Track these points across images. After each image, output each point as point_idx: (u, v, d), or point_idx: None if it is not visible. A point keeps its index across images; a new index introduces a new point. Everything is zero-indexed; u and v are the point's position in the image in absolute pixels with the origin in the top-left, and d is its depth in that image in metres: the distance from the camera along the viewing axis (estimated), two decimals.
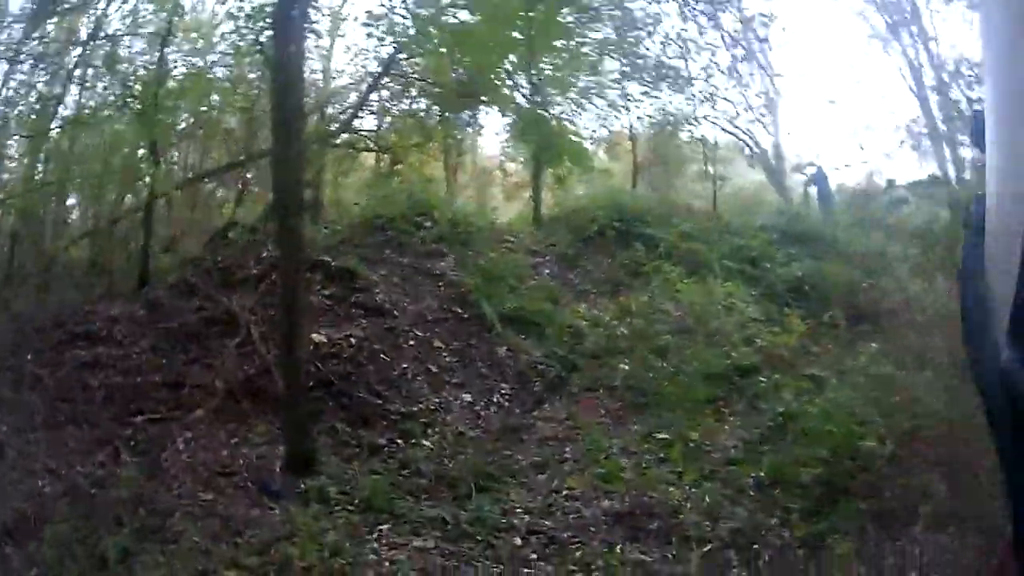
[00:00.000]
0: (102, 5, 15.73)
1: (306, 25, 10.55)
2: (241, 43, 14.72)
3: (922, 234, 19.13)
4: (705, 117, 24.16)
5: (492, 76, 15.92)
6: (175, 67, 15.83)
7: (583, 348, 12.59)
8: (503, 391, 11.42)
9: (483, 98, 17.66)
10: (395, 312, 12.29)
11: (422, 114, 19.63)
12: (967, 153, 21.13)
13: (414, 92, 18.67)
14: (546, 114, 16.64)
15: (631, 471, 9.10)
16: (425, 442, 9.83)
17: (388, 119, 19.17)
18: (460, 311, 12.83)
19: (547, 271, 15.56)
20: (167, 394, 10.21)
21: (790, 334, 12.49)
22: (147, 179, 14.83)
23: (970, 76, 20.61)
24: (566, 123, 16.31)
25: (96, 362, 10.71)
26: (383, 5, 14.55)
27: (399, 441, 9.80)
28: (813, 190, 21.78)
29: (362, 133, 18.89)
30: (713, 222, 18.52)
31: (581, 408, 10.98)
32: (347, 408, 10.18)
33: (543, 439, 10.14)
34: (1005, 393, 0.91)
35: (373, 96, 18.29)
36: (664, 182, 23.06)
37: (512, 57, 16.96)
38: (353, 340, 11.27)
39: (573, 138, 14.68)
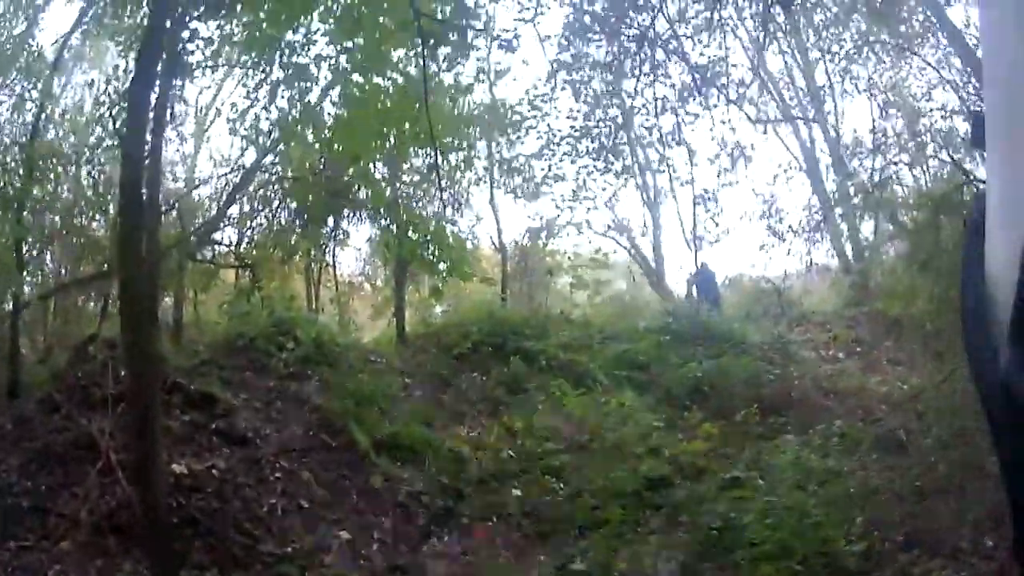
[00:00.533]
0: None
1: (160, 121, 9.77)
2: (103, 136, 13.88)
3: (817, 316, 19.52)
4: (577, 224, 24.20)
5: (364, 168, 15.21)
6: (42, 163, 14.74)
7: (468, 474, 11.61)
8: (385, 526, 10.25)
9: (352, 195, 16.85)
10: (258, 441, 11.22)
11: (284, 225, 18.85)
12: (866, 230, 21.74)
13: (276, 202, 17.90)
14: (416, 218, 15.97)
15: None
16: None
17: (248, 232, 18.33)
18: (329, 439, 11.67)
19: (419, 392, 14.54)
20: (36, 520, 9.09)
21: (700, 440, 12.00)
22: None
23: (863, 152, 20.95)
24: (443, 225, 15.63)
25: None
26: (248, 98, 13.91)
27: None
28: (696, 291, 21.22)
29: (222, 247, 17.97)
30: (593, 330, 18.02)
31: (476, 541, 10.00)
32: (215, 549, 8.94)
33: None
34: (1005, 395, 0.89)
35: (234, 209, 17.46)
36: (535, 293, 22.50)
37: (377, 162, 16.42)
38: (216, 472, 10.04)
39: (451, 242, 14.00)
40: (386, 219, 15.87)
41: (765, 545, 7.66)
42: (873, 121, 21.10)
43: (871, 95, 21.35)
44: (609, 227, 25.23)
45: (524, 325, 17.26)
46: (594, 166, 22.21)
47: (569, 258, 23.16)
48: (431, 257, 14.15)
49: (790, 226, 22.01)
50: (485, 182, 22.37)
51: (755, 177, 24.36)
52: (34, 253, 16.03)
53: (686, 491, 10.16)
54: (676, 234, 25.03)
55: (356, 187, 16.77)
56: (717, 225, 24.43)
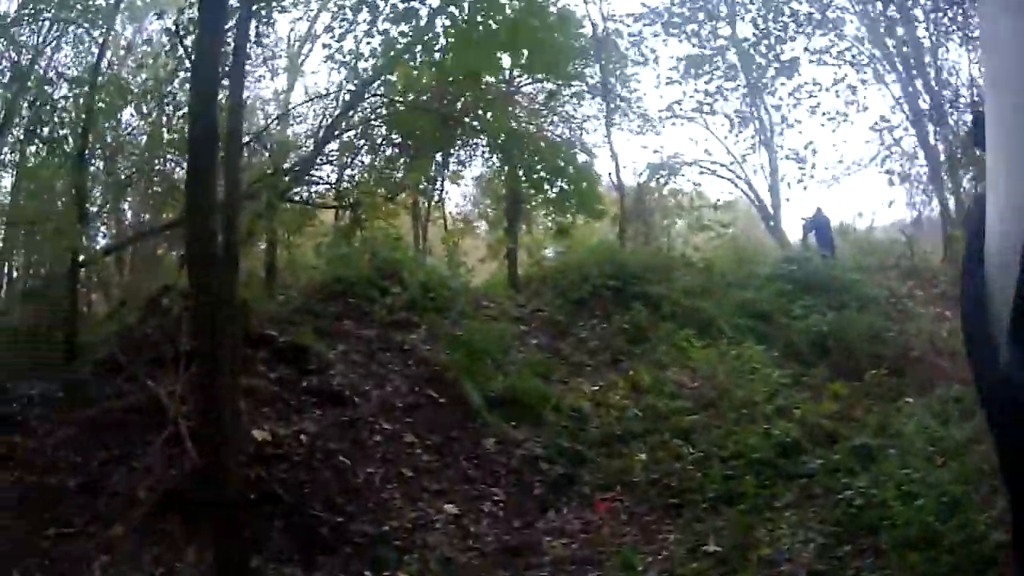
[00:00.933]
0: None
1: (241, 47, 8.37)
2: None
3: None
4: (696, 162, 22.52)
5: (485, 88, 13.54)
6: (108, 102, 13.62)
7: (590, 435, 10.39)
8: (496, 498, 9.10)
9: (467, 123, 15.18)
10: (356, 399, 10.04)
11: (389, 160, 17.47)
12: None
13: (380, 136, 16.46)
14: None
15: None
16: (402, 574, 7.49)
17: (349, 169, 16.98)
18: (436, 395, 10.62)
19: (535, 341, 13.46)
20: (83, 502, 7.84)
21: (827, 400, 10.90)
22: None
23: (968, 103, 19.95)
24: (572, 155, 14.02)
25: (10, 454, 8.45)
26: (347, 20, 12.45)
27: (368, 573, 7.44)
28: (812, 236, 20.02)
29: (321, 185, 16.65)
30: (715, 276, 16.68)
31: (598, 514, 8.77)
32: (299, 530, 7.77)
33: (556, 561, 7.79)
34: (1005, 394, 0.88)
35: (334, 145, 16.05)
36: (653, 235, 20.86)
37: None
38: (304, 437, 8.88)
39: (579, 175, 12.33)
40: (504, 150, 14.10)
41: (910, 528, 6.60)
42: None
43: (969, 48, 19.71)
44: (725, 167, 23.68)
45: (645, 268, 16.03)
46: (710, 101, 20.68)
47: (692, 198, 21.47)
48: (557, 191, 12.49)
49: (899, 174, 22.21)
50: (602, 114, 20.96)
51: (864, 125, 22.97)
52: (105, 202, 15.07)
53: (819, 459, 9.03)
54: (791, 175, 22.89)
55: (470, 115, 15.05)
56: (827, 169, 23.83)
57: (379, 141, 16.76)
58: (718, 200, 21.65)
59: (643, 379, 11.70)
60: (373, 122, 15.54)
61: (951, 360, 12.15)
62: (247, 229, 11.38)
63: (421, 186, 18.40)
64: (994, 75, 1.02)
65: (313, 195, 16.02)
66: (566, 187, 12.12)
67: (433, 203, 20.15)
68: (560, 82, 17.42)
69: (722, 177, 23.83)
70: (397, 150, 17.10)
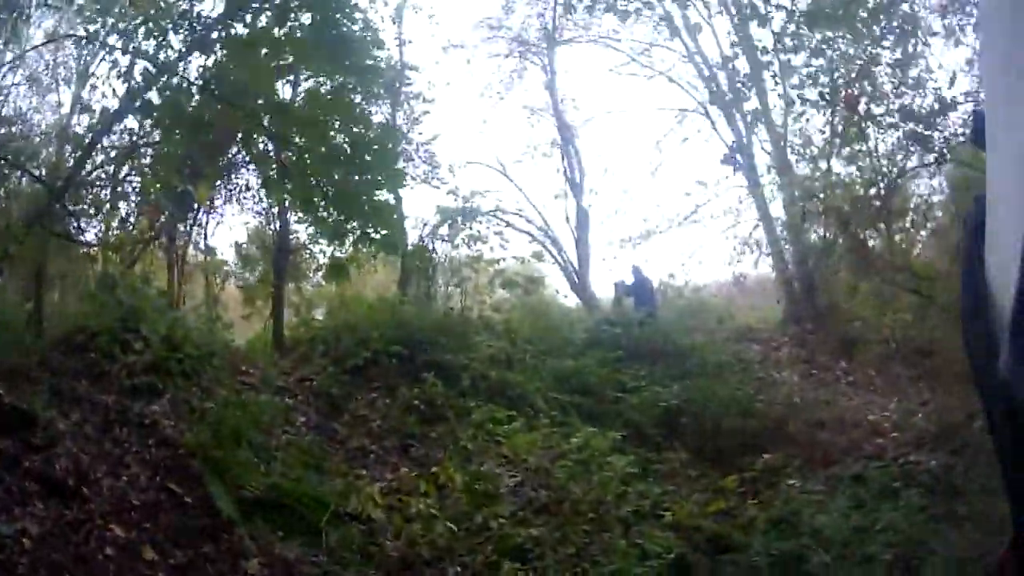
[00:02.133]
0: None
1: None
2: None
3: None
4: (496, 210, 20.76)
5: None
6: None
7: (386, 555, 7.90)
8: None
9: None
10: (86, 490, 7.61)
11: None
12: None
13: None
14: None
15: None
16: None
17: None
18: (181, 491, 7.93)
19: (303, 419, 10.96)
20: None
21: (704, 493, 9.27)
22: None
23: None
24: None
25: None
26: None
27: None
28: (630, 300, 18.34)
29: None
30: (520, 342, 14.58)
31: None
32: None
33: None
34: (1005, 394, 0.87)
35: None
36: (438, 294, 18.44)
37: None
38: (27, 543, 6.49)
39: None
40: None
41: None
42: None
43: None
44: (524, 218, 22.30)
45: (438, 331, 13.67)
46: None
47: (491, 249, 18.86)
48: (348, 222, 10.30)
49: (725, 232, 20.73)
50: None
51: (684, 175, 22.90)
52: None
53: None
54: (600, 234, 21.97)
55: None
56: (645, 221, 22.59)
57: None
58: (524, 258, 19.68)
59: (449, 474, 9.34)
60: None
61: (834, 432, 11.21)
62: None
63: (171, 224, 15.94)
64: (993, 72, 0.99)
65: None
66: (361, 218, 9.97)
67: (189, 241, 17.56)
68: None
69: (520, 230, 22.12)
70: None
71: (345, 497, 8.71)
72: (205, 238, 17.67)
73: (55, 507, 7.13)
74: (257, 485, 8.40)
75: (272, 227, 17.33)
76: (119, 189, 15.04)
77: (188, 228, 16.73)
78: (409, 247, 17.57)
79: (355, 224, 9.94)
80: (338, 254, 11.73)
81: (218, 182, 15.99)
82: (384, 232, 9.94)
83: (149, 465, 8.39)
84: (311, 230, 13.85)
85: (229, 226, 19.65)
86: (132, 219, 15.50)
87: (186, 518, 7.77)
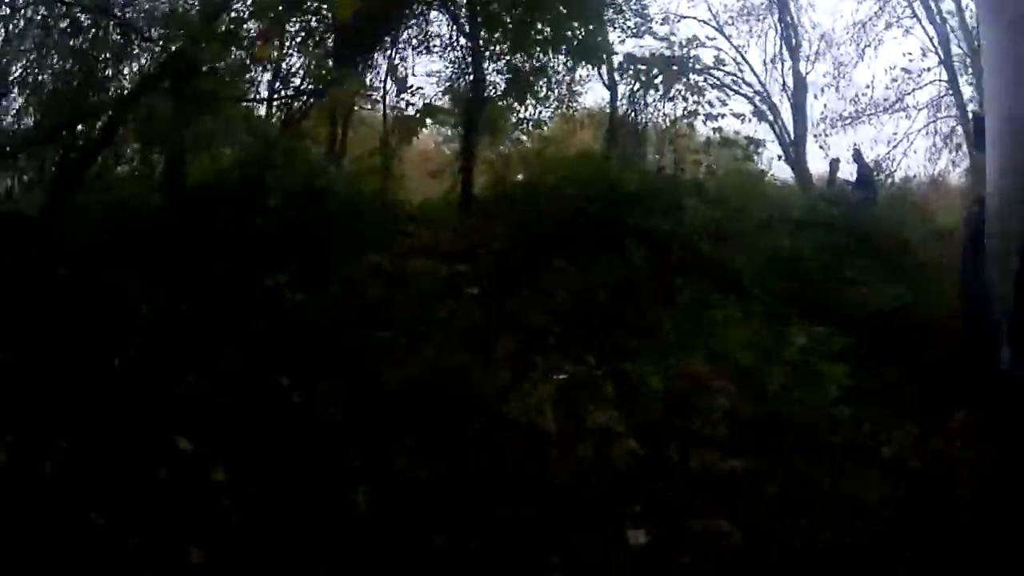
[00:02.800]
0: None
1: None
2: None
3: None
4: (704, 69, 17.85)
5: None
6: None
7: (545, 484, 5.53)
8: None
9: None
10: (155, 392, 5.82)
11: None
12: None
13: None
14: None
15: None
16: None
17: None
18: (287, 383, 6.10)
19: (474, 290, 9.00)
20: None
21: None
22: None
23: None
24: None
25: None
26: None
27: None
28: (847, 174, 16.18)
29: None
30: (734, 213, 12.18)
31: None
32: None
33: None
34: (1005, 392, 1.13)
35: None
36: (644, 152, 16.17)
37: None
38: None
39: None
40: None
41: None
42: None
43: None
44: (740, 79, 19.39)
45: (645, 193, 11.32)
46: None
47: (707, 105, 15.80)
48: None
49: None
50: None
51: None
52: None
53: None
54: (814, 108, 19.57)
55: None
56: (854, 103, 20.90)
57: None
58: (744, 115, 16.62)
59: (644, 373, 7.00)
60: None
61: None
62: None
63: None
64: (994, 76, 1.22)
65: None
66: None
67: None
68: None
69: (737, 91, 19.50)
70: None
71: (505, 397, 6.40)
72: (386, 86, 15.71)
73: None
74: (392, 378, 6.21)
75: (464, 78, 15.42)
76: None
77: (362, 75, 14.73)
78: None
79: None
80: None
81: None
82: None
83: (254, 352, 6.44)
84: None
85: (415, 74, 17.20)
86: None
87: (284, 424, 5.75)
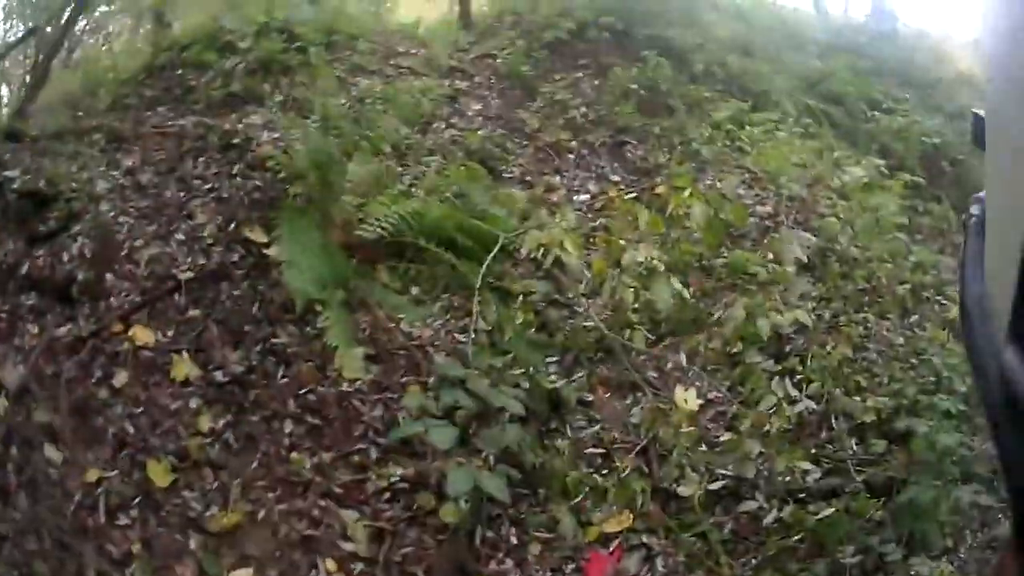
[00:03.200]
0: None
1: None
2: None
3: None
4: None
5: None
6: None
7: (574, 332, 5.26)
8: None
9: None
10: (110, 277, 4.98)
11: None
12: None
13: None
14: None
15: None
16: None
17: None
18: (256, 246, 5.26)
19: (478, 106, 7.97)
20: None
21: None
22: None
23: None
24: None
25: None
26: None
27: None
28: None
29: None
30: (758, 29, 11.16)
31: None
32: None
33: None
34: (1005, 393, 0.77)
35: None
36: None
37: None
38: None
39: None
40: None
41: None
42: None
43: None
44: None
45: (662, 3, 10.21)
46: None
47: None
48: None
49: None
50: None
51: None
52: None
53: None
54: None
55: None
56: None
57: None
58: None
59: (680, 198, 5.92)
60: None
61: None
62: None
63: None
64: (995, 72, 0.93)
65: None
66: None
67: None
68: None
69: None
70: None
71: (521, 231, 5.42)
72: None
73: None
74: (376, 225, 5.19)
75: None
76: None
77: None
78: None
79: None
80: None
81: None
82: None
83: (220, 210, 5.45)
84: None
85: None
86: None
87: (253, 299, 4.84)
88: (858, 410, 5.00)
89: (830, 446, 4.93)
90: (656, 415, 4.74)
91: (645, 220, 5.67)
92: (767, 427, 4.73)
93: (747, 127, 8.03)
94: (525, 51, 8.89)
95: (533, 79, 8.48)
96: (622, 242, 5.43)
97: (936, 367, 5.24)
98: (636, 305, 5.32)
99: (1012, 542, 0.87)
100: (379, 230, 5.13)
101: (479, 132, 7.30)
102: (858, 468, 4.74)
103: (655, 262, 5.19)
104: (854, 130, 9.15)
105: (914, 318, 6.16)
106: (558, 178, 6.82)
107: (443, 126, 7.42)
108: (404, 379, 4.74)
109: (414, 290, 5.33)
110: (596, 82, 8.53)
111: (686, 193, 5.94)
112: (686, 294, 5.29)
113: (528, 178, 6.83)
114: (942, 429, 4.57)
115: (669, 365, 5.30)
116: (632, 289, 5.14)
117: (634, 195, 6.58)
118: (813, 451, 4.86)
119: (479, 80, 8.51)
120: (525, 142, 7.44)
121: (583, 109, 7.98)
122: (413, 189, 6.05)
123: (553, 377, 4.94)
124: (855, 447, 4.92)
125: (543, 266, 5.39)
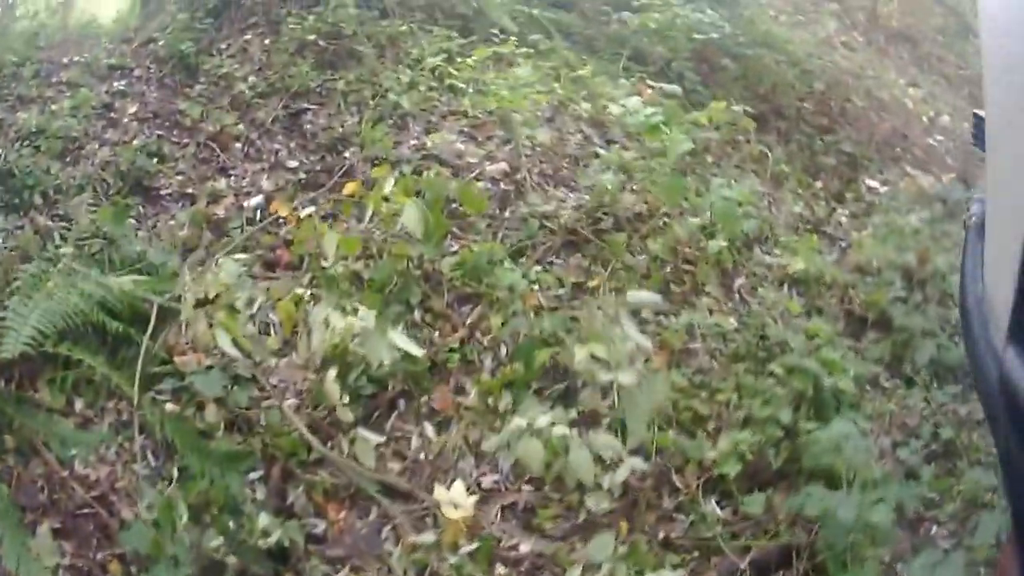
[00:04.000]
0: None
1: None
2: None
3: None
4: None
5: None
6: None
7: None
8: None
9: None
10: None
11: None
12: None
13: None
14: None
15: None
16: None
17: None
18: None
19: (135, 108, 6.61)
20: None
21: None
22: None
23: None
24: None
25: None
26: None
27: None
28: None
29: None
30: None
31: None
32: None
33: None
34: (1005, 394, 0.83)
35: None
36: None
37: None
38: None
39: None
40: None
41: None
42: None
43: None
44: None
45: None
46: None
47: None
48: None
49: None
50: None
51: None
52: None
53: None
54: None
55: None
56: None
57: None
58: None
59: (379, 186, 4.56)
60: None
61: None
62: None
63: None
64: (995, 72, 0.96)
65: None
66: None
67: None
68: None
69: None
70: None
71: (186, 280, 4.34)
72: None
73: None
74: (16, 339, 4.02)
75: None
76: None
77: None
78: None
79: None
80: None
81: None
82: None
83: None
84: None
85: None
86: None
87: None
88: (708, 457, 3.84)
89: (682, 521, 3.77)
90: (420, 532, 3.61)
91: (333, 247, 4.34)
92: (580, 513, 3.68)
93: (459, 59, 6.78)
94: (186, 24, 7.62)
95: (195, 55, 7.12)
96: (306, 292, 4.17)
97: (800, 351, 4.22)
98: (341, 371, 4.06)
99: (1011, 541, 0.92)
100: (23, 344, 3.94)
101: (134, 143, 6.07)
102: (737, 545, 3.62)
103: (358, 314, 3.87)
104: (593, 37, 7.86)
105: (740, 281, 5.08)
106: (223, 181, 5.74)
107: (96, 147, 6.12)
108: (100, 556, 3.63)
109: (79, 404, 4.15)
110: (267, 41, 7.15)
111: (388, 186, 4.52)
112: (413, 347, 4.00)
113: (190, 189, 5.67)
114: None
115: (412, 448, 4.11)
116: (335, 346, 3.93)
117: (314, 201, 5.38)
118: (661, 537, 3.68)
119: (139, 74, 7.10)
120: (185, 139, 6.22)
121: (251, 79, 6.68)
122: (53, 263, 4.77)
123: (261, 511, 3.68)
124: (719, 513, 3.78)
125: (214, 335, 3.97)
